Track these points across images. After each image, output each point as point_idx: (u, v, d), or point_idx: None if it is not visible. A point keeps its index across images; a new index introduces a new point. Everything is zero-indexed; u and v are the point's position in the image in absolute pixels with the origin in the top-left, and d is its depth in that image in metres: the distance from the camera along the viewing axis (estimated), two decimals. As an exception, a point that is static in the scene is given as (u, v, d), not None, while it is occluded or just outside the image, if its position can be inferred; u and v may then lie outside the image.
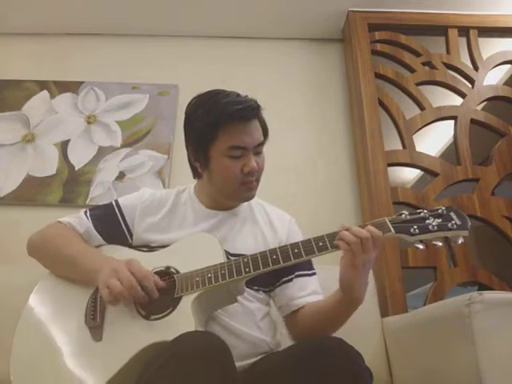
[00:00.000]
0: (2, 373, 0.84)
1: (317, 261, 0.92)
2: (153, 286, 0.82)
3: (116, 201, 1.07)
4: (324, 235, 0.85)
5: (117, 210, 1.04)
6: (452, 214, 0.84)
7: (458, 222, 0.82)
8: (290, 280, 1.02)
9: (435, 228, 0.82)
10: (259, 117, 1.00)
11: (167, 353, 0.67)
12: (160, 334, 0.79)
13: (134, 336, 0.81)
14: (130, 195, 1.10)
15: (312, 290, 1.01)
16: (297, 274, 1.02)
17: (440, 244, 0.83)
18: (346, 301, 0.86)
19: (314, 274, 1.05)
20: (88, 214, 1.04)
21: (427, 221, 0.83)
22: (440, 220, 0.83)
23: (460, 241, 0.82)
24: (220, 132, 0.94)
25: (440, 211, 0.85)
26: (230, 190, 1.00)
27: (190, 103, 1.02)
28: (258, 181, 1.01)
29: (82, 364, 0.80)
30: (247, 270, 0.84)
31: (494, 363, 0.84)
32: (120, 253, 0.96)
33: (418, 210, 0.86)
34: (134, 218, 1.03)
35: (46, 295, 0.95)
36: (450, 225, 0.82)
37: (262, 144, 1.00)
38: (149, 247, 1.00)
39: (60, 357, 0.82)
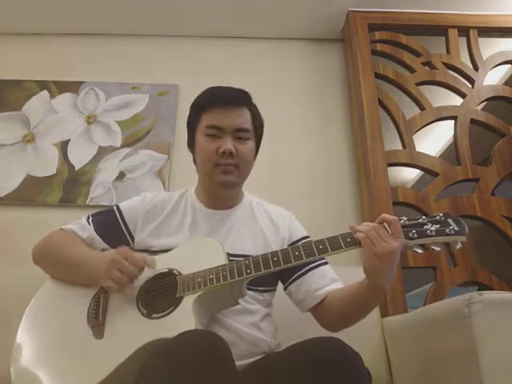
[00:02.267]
0: (2, 372, 0.85)
1: (338, 261, 0.93)
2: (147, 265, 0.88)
3: (117, 206, 1.08)
4: (324, 239, 0.86)
5: (118, 216, 1.05)
6: (450, 220, 0.85)
7: (456, 228, 0.83)
8: (306, 273, 1.02)
9: (433, 233, 0.83)
10: (250, 107, 1.04)
11: (167, 352, 0.67)
12: (160, 331, 0.80)
13: (134, 333, 0.82)
14: (131, 200, 1.11)
15: (331, 277, 1.03)
16: (311, 266, 1.02)
17: (438, 249, 0.85)
18: (371, 287, 0.86)
19: (327, 262, 1.06)
20: (90, 220, 1.05)
21: (425, 226, 0.85)
22: (438, 226, 0.84)
23: (458, 246, 0.84)
24: (203, 114, 1.02)
25: (438, 217, 0.86)
26: (206, 170, 1.02)
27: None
28: (238, 167, 1.01)
29: (82, 361, 0.81)
30: (248, 271, 0.85)
31: (494, 363, 0.84)
32: None
33: (417, 217, 0.88)
34: (135, 223, 1.04)
35: (49, 296, 0.96)
36: (447, 230, 0.83)
37: (244, 130, 1.02)
38: (149, 252, 1.00)
39: (62, 354, 0.83)
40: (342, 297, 0.96)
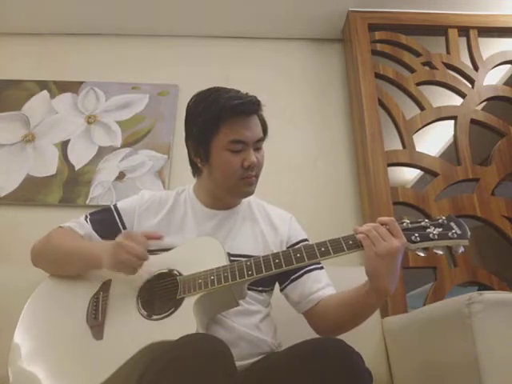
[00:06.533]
0: (1, 373, 0.84)
1: (340, 263, 0.92)
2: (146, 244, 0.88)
3: (115, 205, 1.07)
4: (326, 241, 0.85)
5: (115, 215, 1.05)
6: (452, 223, 0.85)
7: (459, 232, 0.83)
8: (301, 276, 1.02)
9: (436, 237, 0.83)
10: (259, 113, 1.01)
11: (168, 355, 0.67)
12: (161, 333, 0.79)
13: (134, 335, 0.81)
14: (128, 199, 1.10)
15: (325, 282, 1.02)
16: (306, 269, 1.02)
17: (441, 252, 0.84)
18: (374, 291, 0.85)
19: (323, 267, 1.06)
20: (88, 219, 1.05)
21: (428, 229, 0.84)
22: (440, 229, 0.84)
23: (460, 250, 0.83)
24: (221, 126, 0.95)
25: (440, 221, 0.86)
26: (229, 184, 1.00)
27: (191, 100, 1.03)
28: (257, 176, 1.02)
29: (82, 362, 0.81)
30: (249, 273, 0.85)
31: (494, 363, 0.84)
32: None
33: (419, 220, 0.87)
34: (132, 222, 1.04)
35: (47, 295, 0.95)
36: (450, 234, 0.82)
37: (261, 140, 1.01)
38: (148, 251, 1.00)
39: (61, 355, 0.83)
40: (340, 301, 0.95)
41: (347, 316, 0.94)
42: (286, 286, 1.04)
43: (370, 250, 0.81)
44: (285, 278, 1.04)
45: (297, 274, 1.02)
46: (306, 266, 1.02)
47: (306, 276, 1.02)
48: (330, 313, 0.96)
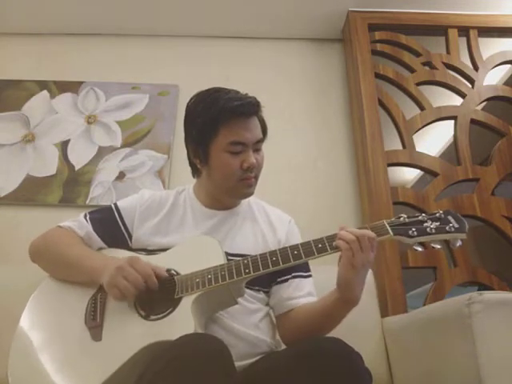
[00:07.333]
0: (1, 373, 0.84)
1: (316, 261, 0.92)
2: (155, 281, 0.84)
3: (115, 204, 1.07)
4: (323, 237, 0.86)
5: (116, 214, 1.04)
6: (450, 217, 0.85)
7: (456, 225, 0.83)
8: (286, 280, 1.02)
9: (433, 231, 0.83)
10: (258, 114, 1.01)
11: (167, 356, 0.67)
12: (159, 333, 0.79)
13: (133, 336, 0.81)
14: (128, 198, 1.10)
15: (307, 291, 1.01)
16: (293, 274, 1.02)
17: (439, 247, 0.84)
18: (343, 300, 0.86)
19: (310, 276, 1.06)
20: (88, 218, 1.04)
21: (425, 224, 0.84)
22: (438, 223, 0.84)
23: (458, 243, 0.83)
24: (221, 127, 0.95)
25: (438, 215, 0.86)
26: (228, 185, 1.00)
27: (190, 100, 1.03)
28: (256, 178, 1.02)
29: (81, 364, 0.81)
30: (247, 271, 0.85)
31: (494, 363, 0.84)
32: (121, 256, 0.96)
33: (416, 214, 0.87)
34: (133, 221, 1.03)
35: (46, 297, 0.95)
36: (447, 228, 0.82)
37: (261, 141, 1.01)
38: (146, 250, 1.00)
39: (59, 357, 0.83)
40: (311, 310, 0.95)
41: (316, 325, 0.93)
42: (271, 287, 1.04)
43: (348, 262, 0.81)
44: (273, 278, 1.03)
45: (283, 278, 1.02)
46: (295, 271, 1.02)
47: (290, 281, 1.02)
48: (299, 321, 0.96)
